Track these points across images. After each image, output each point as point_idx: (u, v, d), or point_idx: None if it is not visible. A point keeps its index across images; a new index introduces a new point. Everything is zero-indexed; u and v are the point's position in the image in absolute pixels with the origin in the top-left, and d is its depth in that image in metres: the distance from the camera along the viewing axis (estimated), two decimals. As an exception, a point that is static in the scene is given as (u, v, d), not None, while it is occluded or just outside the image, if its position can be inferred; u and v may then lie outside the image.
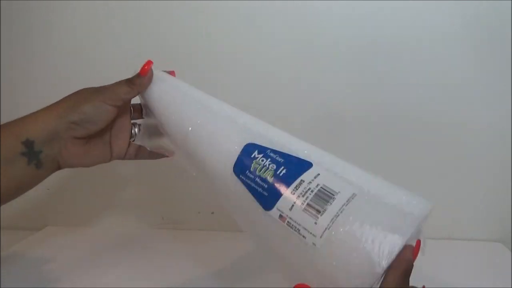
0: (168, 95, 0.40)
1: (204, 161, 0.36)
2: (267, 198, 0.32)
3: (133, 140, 0.43)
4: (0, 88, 0.65)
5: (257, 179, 0.32)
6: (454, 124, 0.58)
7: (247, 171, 0.33)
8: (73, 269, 0.55)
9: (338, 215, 0.29)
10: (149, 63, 0.40)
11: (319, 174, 0.31)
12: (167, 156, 0.43)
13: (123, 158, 0.44)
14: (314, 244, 0.29)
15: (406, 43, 0.56)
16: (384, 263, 0.27)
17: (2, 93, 0.65)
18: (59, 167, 0.40)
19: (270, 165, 0.32)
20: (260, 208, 0.32)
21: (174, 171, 0.67)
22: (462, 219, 0.61)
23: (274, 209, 0.31)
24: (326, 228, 0.29)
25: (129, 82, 0.39)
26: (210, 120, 0.37)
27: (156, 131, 0.42)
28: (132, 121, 0.44)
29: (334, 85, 0.59)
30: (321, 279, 0.29)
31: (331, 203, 0.29)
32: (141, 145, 0.43)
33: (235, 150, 0.34)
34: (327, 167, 0.32)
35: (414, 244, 0.30)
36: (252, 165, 0.33)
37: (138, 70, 0.40)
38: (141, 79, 0.39)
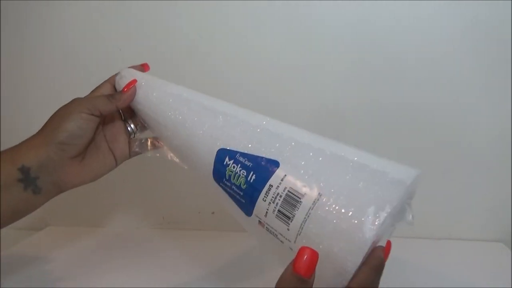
0: (148, 99, 0.40)
1: (190, 163, 0.38)
2: (245, 204, 0.32)
3: (133, 137, 0.45)
4: (0, 88, 0.65)
5: (233, 187, 0.33)
6: (454, 124, 0.58)
7: (224, 179, 0.33)
8: (73, 269, 0.55)
9: (306, 219, 0.29)
10: (133, 82, 0.41)
11: (285, 175, 0.30)
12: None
13: (129, 158, 0.45)
14: (291, 249, 0.30)
15: (406, 43, 0.56)
16: (374, 229, 0.26)
17: (2, 93, 0.65)
18: (61, 191, 0.40)
19: (241, 171, 0.32)
20: (243, 215, 0.33)
21: (174, 171, 0.67)
22: (462, 219, 0.60)
23: (253, 215, 0.32)
24: (297, 234, 0.29)
25: (110, 96, 0.40)
26: (187, 121, 0.37)
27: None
28: (125, 121, 0.45)
29: (334, 85, 0.59)
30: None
31: (298, 208, 0.29)
32: (140, 152, 0.44)
33: (211, 156, 0.34)
34: (294, 160, 0.31)
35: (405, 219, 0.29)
36: (227, 172, 0.33)
37: (122, 76, 0.41)
38: (123, 96, 0.40)
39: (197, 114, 0.37)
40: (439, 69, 0.56)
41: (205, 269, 0.54)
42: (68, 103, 0.39)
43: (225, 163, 0.33)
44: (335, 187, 0.29)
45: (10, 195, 0.36)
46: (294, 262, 0.25)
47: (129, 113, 0.44)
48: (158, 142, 0.44)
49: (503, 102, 0.56)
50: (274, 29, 0.58)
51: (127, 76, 0.42)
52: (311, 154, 0.31)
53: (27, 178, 0.36)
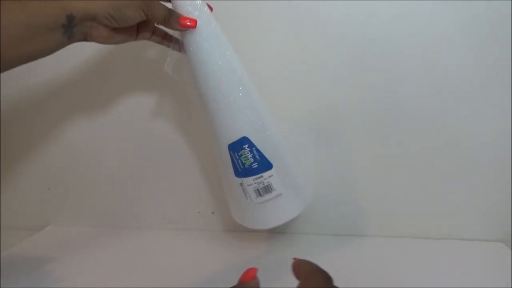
0: (208, 51, 0.47)
1: (213, 126, 0.49)
2: (239, 172, 0.50)
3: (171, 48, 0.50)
4: (0, 88, 0.65)
5: (239, 161, 0.49)
6: (454, 123, 0.58)
7: (236, 153, 0.49)
8: (73, 269, 0.55)
9: (268, 200, 0.50)
10: (194, 22, 0.46)
11: (272, 175, 0.50)
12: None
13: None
14: (250, 204, 0.51)
15: (406, 43, 0.56)
16: None
17: (3, 93, 0.65)
18: (85, 40, 0.43)
19: (250, 158, 0.49)
20: (232, 173, 0.50)
21: (174, 171, 0.67)
22: (462, 219, 0.60)
23: (239, 179, 0.50)
24: (261, 202, 0.50)
25: (169, 15, 0.44)
26: (227, 101, 0.48)
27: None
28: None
29: (334, 85, 0.59)
30: (255, 221, 0.53)
31: (268, 193, 0.50)
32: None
33: (235, 136, 0.48)
34: (280, 170, 0.50)
35: None
36: (241, 151, 0.49)
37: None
38: (178, 25, 0.45)
39: (245, 96, 0.49)
40: (439, 69, 0.56)
41: (205, 269, 0.54)
42: None
43: (243, 146, 0.48)
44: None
45: (51, 36, 0.38)
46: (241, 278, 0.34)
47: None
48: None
49: (503, 102, 0.56)
50: (274, 28, 0.58)
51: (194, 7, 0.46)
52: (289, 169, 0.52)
53: (69, 25, 0.39)
